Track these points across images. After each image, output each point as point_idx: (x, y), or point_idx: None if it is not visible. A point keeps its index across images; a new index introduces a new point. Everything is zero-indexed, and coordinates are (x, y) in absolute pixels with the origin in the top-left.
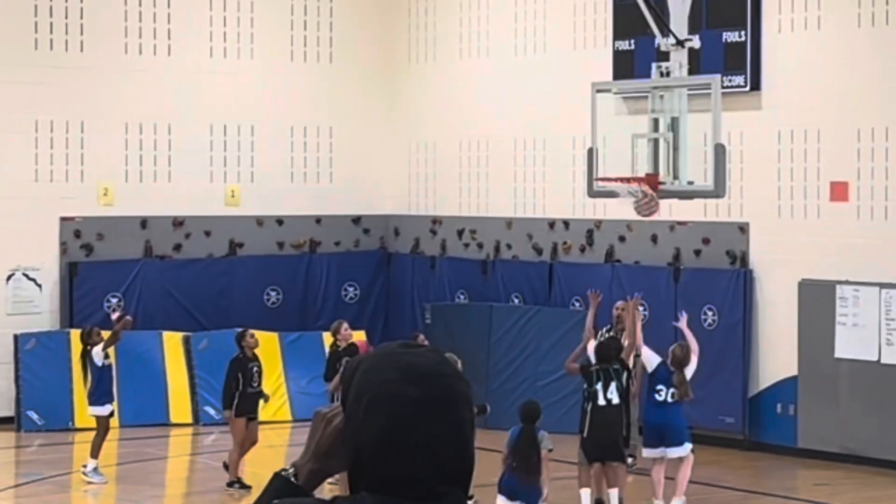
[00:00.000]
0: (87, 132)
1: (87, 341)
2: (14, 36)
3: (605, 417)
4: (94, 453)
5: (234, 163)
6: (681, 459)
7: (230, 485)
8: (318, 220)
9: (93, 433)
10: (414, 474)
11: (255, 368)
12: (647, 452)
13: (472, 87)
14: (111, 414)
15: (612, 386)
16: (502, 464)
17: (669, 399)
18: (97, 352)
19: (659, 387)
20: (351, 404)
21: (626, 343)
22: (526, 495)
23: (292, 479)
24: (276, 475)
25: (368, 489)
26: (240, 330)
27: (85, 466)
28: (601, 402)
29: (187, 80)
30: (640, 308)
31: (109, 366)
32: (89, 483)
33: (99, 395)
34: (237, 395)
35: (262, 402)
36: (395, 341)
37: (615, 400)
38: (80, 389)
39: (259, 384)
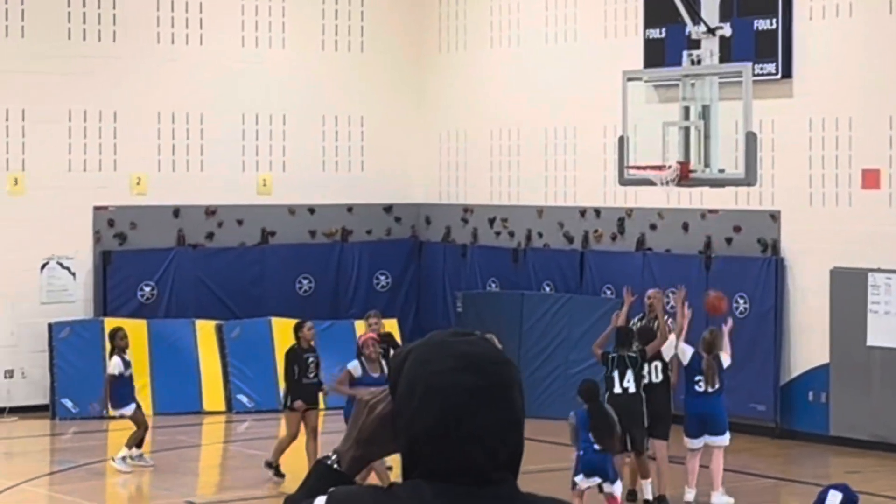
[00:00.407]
0: (119, 122)
1: (112, 343)
2: (47, 27)
3: (620, 406)
4: (129, 443)
5: (266, 152)
6: (717, 449)
7: (268, 465)
8: (350, 208)
9: (128, 421)
10: (470, 462)
11: (311, 359)
12: (688, 442)
13: (503, 75)
14: (138, 407)
15: (629, 374)
16: (574, 445)
17: (710, 389)
18: (115, 363)
19: (697, 377)
20: (403, 394)
21: (659, 335)
22: (604, 471)
23: (335, 466)
24: (319, 462)
25: (423, 476)
26: (297, 321)
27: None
28: (617, 389)
29: (219, 69)
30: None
31: (130, 376)
32: (119, 471)
33: (118, 399)
34: (293, 386)
35: (321, 393)
36: (442, 330)
37: (631, 388)
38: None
39: (316, 375)
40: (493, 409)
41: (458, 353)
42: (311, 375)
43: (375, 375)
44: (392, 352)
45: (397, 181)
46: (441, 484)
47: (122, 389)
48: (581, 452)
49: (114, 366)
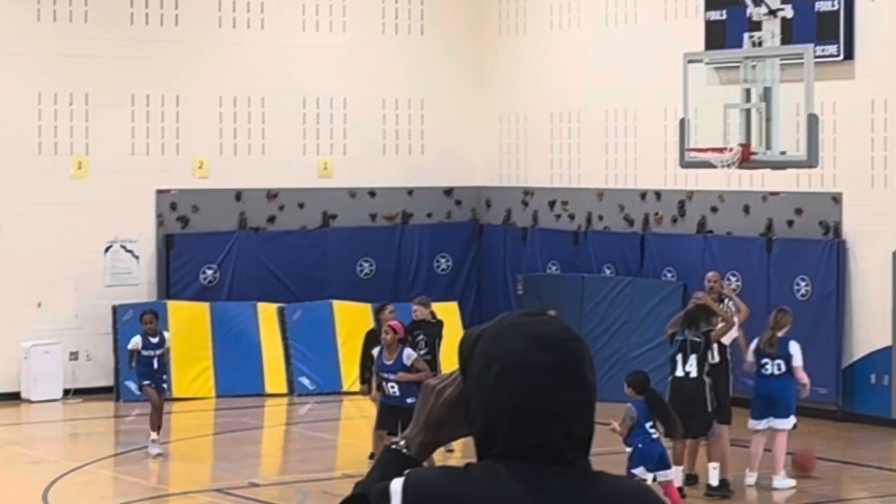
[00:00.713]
0: (182, 106)
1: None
2: (110, 12)
3: (680, 390)
4: (153, 426)
5: (327, 135)
6: (780, 433)
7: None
8: (410, 191)
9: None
10: (546, 440)
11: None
12: (753, 424)
13: (563, 58)
14: (155, 387)
15: (692, 358)
16: (623, 436)
17: (776, 371)
18: (136, 341)
19: (763, 360)
20: (478, 375)
21: (723, 320)
22: (663, 460)
23: (404, 452)
24: (388, 448)
25: (499, 456)
26: (378, 304)
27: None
28: (679, 373)
29: (280, 53)
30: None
31: (152, 356)
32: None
33: (136, 375)
34: (372, 370)
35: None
36: (511, 312)
37: (693, 373)
38: (176, 359)
39: None
40: (569, 386)
41: (533, 332)
42: None
43: (388, 362)
44: (419, 340)
45: (457, 164)
46: (516, 462)
47: (139, 367)
48: (640, 445)
49: (134, 342)
